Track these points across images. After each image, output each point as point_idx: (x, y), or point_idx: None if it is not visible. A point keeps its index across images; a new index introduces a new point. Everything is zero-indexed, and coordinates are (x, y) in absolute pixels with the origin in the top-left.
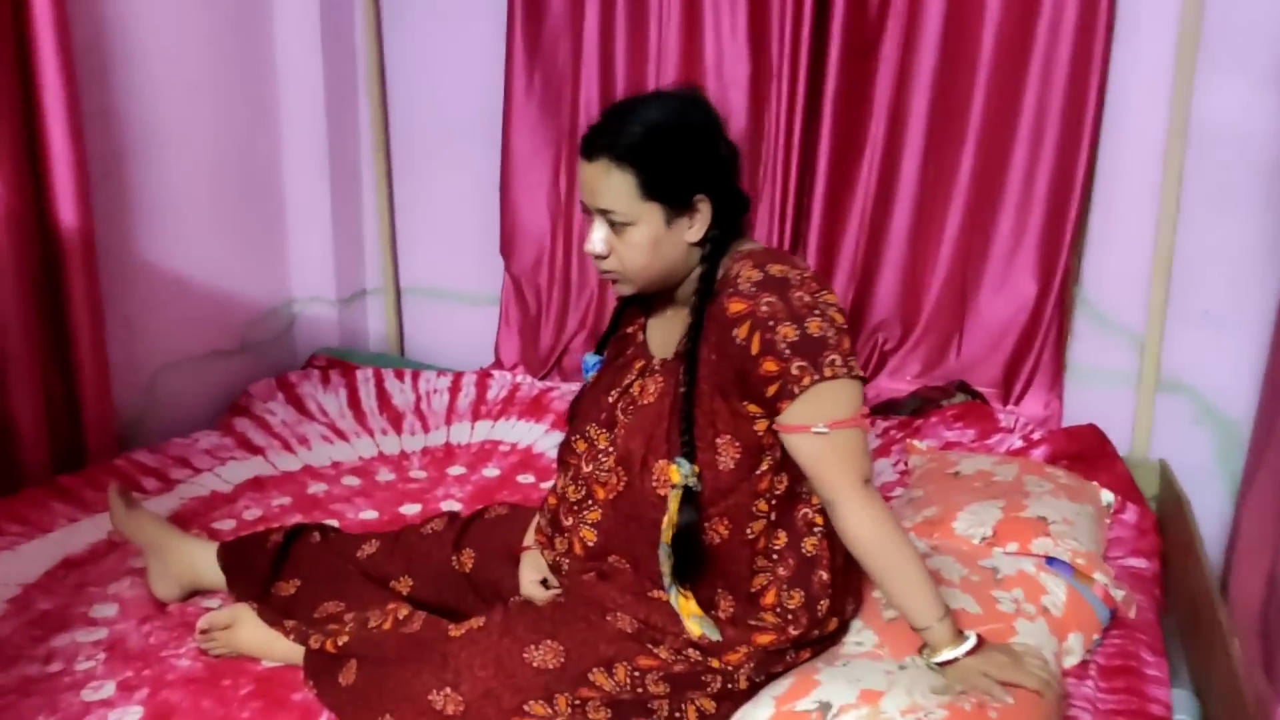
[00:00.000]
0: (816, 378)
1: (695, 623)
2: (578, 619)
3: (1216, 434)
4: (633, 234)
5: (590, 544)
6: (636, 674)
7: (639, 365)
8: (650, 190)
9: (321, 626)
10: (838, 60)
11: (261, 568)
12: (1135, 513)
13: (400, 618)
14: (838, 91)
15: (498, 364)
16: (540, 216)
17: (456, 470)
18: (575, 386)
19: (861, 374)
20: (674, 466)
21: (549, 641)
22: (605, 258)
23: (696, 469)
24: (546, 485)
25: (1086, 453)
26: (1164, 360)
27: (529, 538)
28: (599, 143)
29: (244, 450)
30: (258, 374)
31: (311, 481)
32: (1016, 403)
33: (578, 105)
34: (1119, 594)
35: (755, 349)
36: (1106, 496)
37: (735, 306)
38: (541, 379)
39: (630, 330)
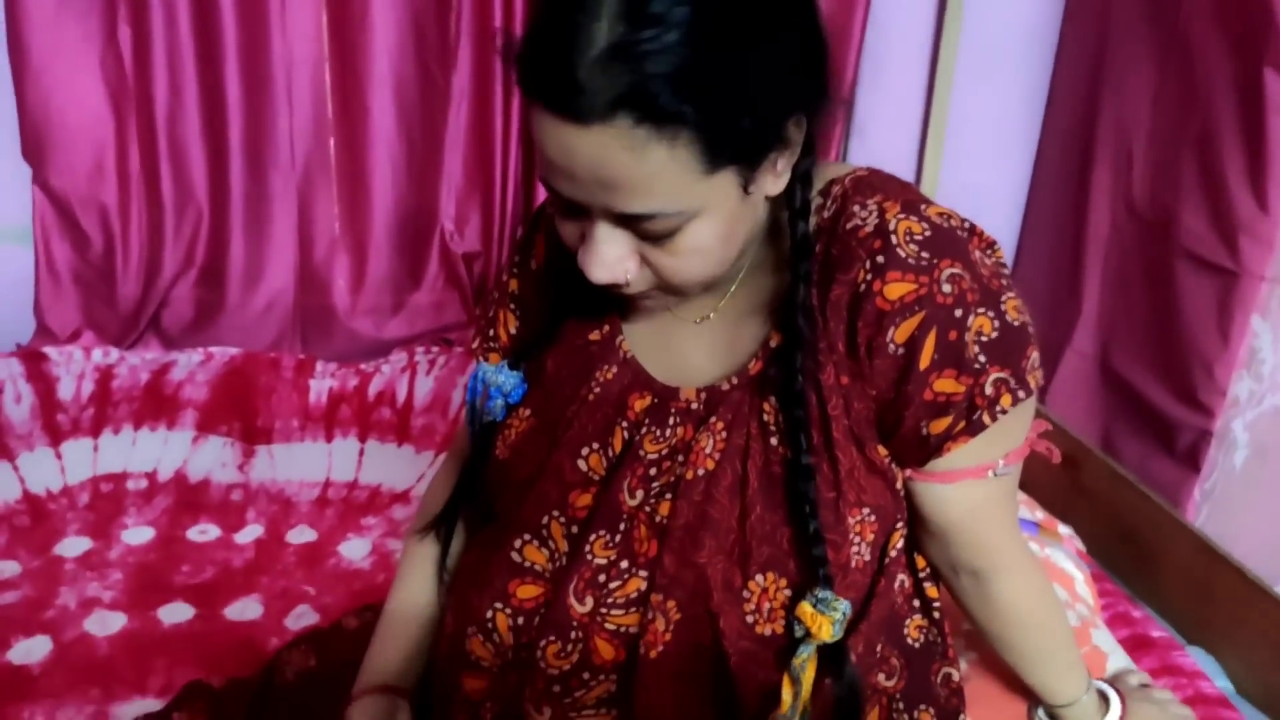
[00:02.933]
0: (1021, 395)
1: None
2: None
3: None
4: (692, 234)
5: None
6: None
7: (641, 403)
8: (721, 149)
9: None
10: None
11: None
12: None
13: None
14: None
15: (45, 336)
16: (91, 95)
17: (72, 546)
18: (203, 360)
19: None
20: (814, 610)
21: None
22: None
23: (849, 606)
24: (299, 541)
25: None
26: None
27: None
28: (594, 84)
29: None
30: None
31: None
32: None
33: None
34: (1079, 544)
35: (926, 359)
36: None
37: (899, 289)
38: (130, 348)
39: (596, 335)
